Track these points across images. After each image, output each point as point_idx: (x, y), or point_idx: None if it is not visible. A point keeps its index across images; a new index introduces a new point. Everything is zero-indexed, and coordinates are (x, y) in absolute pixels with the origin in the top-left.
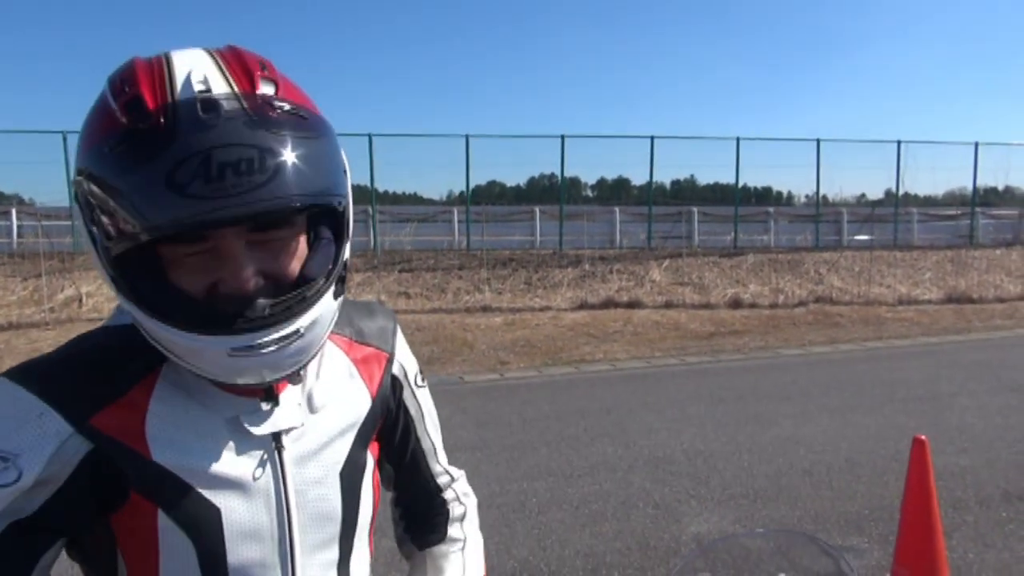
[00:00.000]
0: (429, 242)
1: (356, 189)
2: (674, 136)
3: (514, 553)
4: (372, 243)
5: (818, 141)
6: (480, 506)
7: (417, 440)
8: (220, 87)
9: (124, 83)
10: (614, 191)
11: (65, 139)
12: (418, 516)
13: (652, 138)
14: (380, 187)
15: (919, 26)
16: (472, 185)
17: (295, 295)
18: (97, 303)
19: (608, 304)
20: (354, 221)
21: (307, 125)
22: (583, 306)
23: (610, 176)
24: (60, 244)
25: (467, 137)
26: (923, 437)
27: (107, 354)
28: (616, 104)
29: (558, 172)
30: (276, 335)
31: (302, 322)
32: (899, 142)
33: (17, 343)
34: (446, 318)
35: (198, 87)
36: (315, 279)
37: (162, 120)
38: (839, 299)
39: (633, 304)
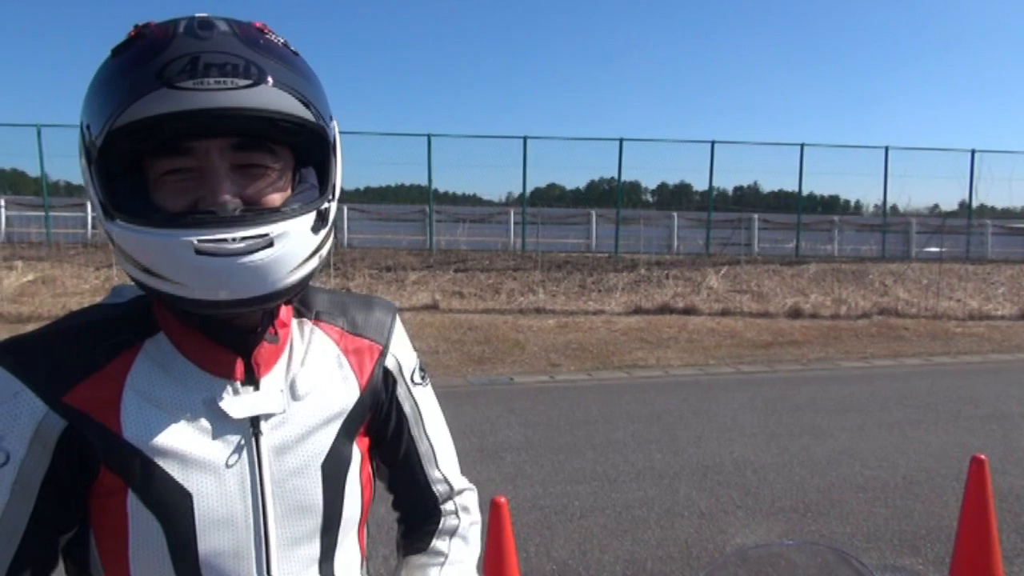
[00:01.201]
0: (485, 243)
1: (415, 189)
2: (735, 141)
3: (554, 556)
4: (428, 242)
5: (886, 149)
6: (522, 507)
7: (411, 440)
8: (220, 20)
9: (136, 24)
10: (675, 196)
11: None
12: (409, 522)
13: (712, 143)
14: (440, 188)
15: (995, 32)
16: (531, 187)
17: (268, 208)
18: None
19: (663, 310)
20: (411, 220)
21: (297, 61)
22: (637, 311)
23: (671, 181)
24: None
25: (525, 139)
26: (983, 456)
27: (91, 328)
28: (683, 108)
29: (617, 176)
30: (246, 232)
31: (273, 228)
32: (973, 151)
33: None
34: (499, 319)
35: (200, 16)
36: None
37: (163, 32)
38: (905, 312)
39: (689, 310)
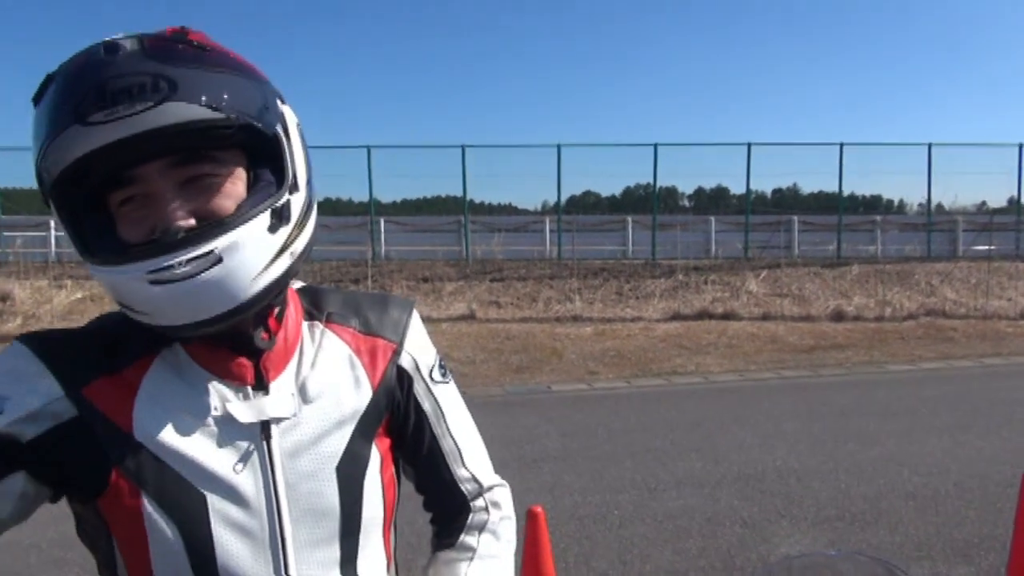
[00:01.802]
0: (521, 252)
1: (450, 200)
2: (772, 143)
3: (593, 566)
4: (464, 252)
5: (929, 146)
6: (561, 517)
7: (434, 439)
8: (127, 40)
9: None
10: (712, 200)
11: None
12: (440, 521)
13: (749, 145)
14: (475, 198)
15: None
16: (567, 195)
17: (214, 221)
18: None
19: (702, 315)
20: (445, 231)
21: (214, 59)
22: (675, 317)
23: (708, 185)
24: None
25: (559, 147)
26: None
27: (114, 333)
28: (719, 111)
29: (652, 181)
30: (189, 255)
31: (218, 243)
32: (1021, 145)
33: None
34: (536, 327)
35: (108, 39)
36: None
37: (74, 67)
38: (953, 312)
39: (728, 316)
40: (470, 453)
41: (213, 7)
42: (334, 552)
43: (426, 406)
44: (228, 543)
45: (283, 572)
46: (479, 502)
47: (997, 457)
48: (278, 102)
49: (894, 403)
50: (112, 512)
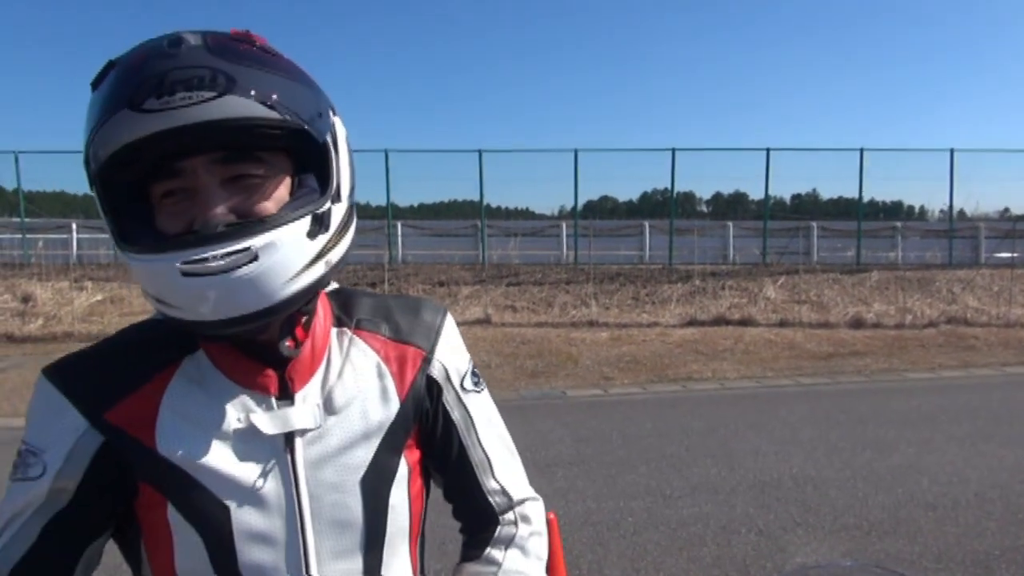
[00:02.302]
0: (537, 256)
1: (467, 204)
2: (791, 148)
3: (607, 573)
4: (480, 257)
5: (951, 151)
6: (574, 523)
7: (463, 449)
8: (192, 35)
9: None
10: (730, 206)
11: None
12: (468, 532)
13: (768, 150)
14: (492, 202)
15: None
16: (584, 200)
17: (254, 220)
18: None
19: (719, 321)
20: (463, 236)
21: (274, 63)
22: (692, 323)
23: (726, 190)
24: None
25: (576, 151)
26: None
27: (134, 348)
28: (737, 117)
29: (670, 186)
30: (226, 249)
31: (256, 241)
32: None
33: None
34: (552, 332)
35: (171, 33)
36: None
37: (136, 57)
38: (975, 320)
39: (745, 322)
40: (501, 465)
41: (226, 12)
42: (357, 564)
43: (455, 416)
44: (251, 553)
45: None
46: (508, 516)
47: (1019, 467)
48: (330, 112)
49: (913, 411)
50: (143, 519)
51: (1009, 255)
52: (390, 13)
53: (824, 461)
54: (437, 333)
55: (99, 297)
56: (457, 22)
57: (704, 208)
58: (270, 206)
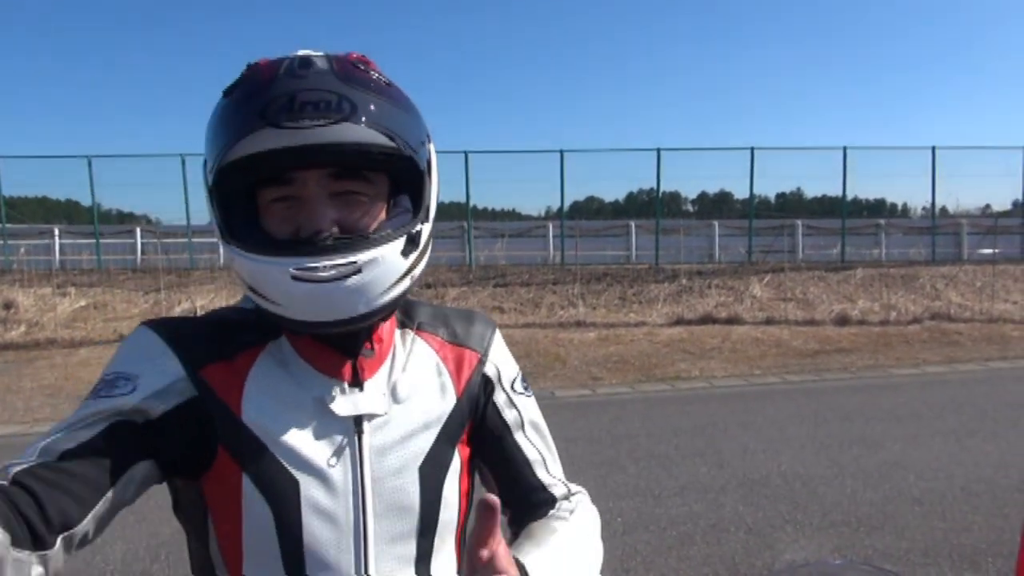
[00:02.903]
0: (524, 257)
1: (453, 206)
2: (775, 147)
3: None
4: (467, 258)
5: (933, 149)
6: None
7: (516, 447)
8: (319, 58)
9: (248, 64)
10: (716, 205)
11: (184, 162)
12: (523, 519)
13: (752, 149)
14: (479, 204)
15: None
16: (570, 201)
17: (360, 235)
18: None
19: (706, 320)
20: (449, 237)
21: (389, 92)
22: (679, 322)
23: (711, 190)
24: (178, 261)
25: (561, 152)
26: None
27: (228, 324)
28: (721, 117)
29: (656, 186)
30: (335, 261)
31: (361, 256)
32: None
33: None
34: (539, 333)
35: (302, 53)
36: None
37: (268, 73)
38: (958, 316)
39: (732, 320)
40: (553, 463)
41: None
42: (411, 549)
43: (508, 415)
44: (316, 529)
45: (363, 563)
46: (565, 502)
47: (1004, 461)
48: (428, 138)
49: (899, 407)
50: (213, 490)
51: (991, 251)
52: (385, 13)
53: (812, 458)
54: (489, 341)
55: (82, 303)
56: (441, 22)
57: (690, 207)
58: (371, 223)
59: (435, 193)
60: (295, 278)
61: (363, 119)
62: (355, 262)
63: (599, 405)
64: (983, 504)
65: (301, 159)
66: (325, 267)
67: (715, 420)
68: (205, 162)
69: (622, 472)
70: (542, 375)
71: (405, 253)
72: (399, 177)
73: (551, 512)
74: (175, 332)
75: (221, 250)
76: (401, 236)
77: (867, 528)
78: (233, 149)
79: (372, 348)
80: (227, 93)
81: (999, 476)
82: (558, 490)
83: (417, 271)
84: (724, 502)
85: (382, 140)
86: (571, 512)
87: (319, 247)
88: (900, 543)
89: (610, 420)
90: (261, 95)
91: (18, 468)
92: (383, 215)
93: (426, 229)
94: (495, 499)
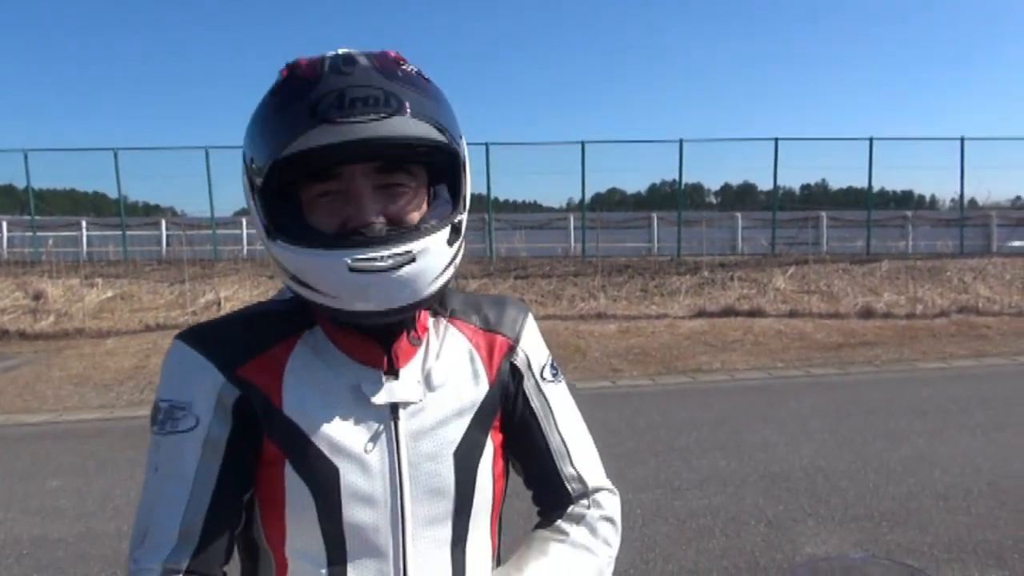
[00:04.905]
0: (545, 249)
1: (474, 198)
2: (800, 138)
3: (615, 566)
4: (488, 250)
5: (962, 139)
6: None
7: (542, 436)
8: (360, 56)
9: (288, 63)
10: (739, 197)
11: (207, 155)
12: (542, 515)
13: (776, 140)
14: (500, 196)
15: None
16: (592, 192)
17: (409, 227)
18: (234, 307)
19: (728, 312)
20: (471, 229)
21: (429, 88)
22: (701, 314)
23: (735, 181)
24: (202, 252)
25: (583, 144)
26: None
27: (262, 318)
28: (747, 106)
29: (678, 178)
30: (391, 251)
31: (415, 246)
32: None
33: (164, 343)
34: (560, 325)
35: (342, 51)
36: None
37: (312, 71)
38: (986, 309)
39: (754, 313)
40: (579, 453)
41: (253, 21)
42: (446, 531)
43: (535, 403)
44: (355, 514)
45: (402, 545)
46: (583, 501)
47: None
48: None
49: (925, 401)
50: (261, 477)
51: (1022, 244)
52: (393, 3)
53: (834, 452)
54: (521, 326)
55: (109, 294)
56: (459, 12)
57: (712, 199)
58: (414, 214)
59: (469, 184)
60: (352, 269)
61: (409, 113)
62: (410, 251)
63: (620, 397)
64: (1010, 500)
65: (351, 154)
66: (383, 257)
67: (736, 413)
68: (249, 161)
69: (642, 464)
70: (562, 367)
71: (450, 242)
72: (436, 168)
73: (563, 515)
74: (208, 339)
75: (244, 242)
76: (446, 226)
77: (890, 523)
78: (291, 146)
79: (419, 337)
80: (273, 92)
81: None
82: (576, 487)
83: (458, 260)
84: (744, 495)
85: (433, 134)
86: (576, 524)
87: (373, 239)
88: (924, 538)
89: (630, 412)
90: (310, 93)
91: (174, 564)
92: (425, 206)
93: (464, 219)
94: None
